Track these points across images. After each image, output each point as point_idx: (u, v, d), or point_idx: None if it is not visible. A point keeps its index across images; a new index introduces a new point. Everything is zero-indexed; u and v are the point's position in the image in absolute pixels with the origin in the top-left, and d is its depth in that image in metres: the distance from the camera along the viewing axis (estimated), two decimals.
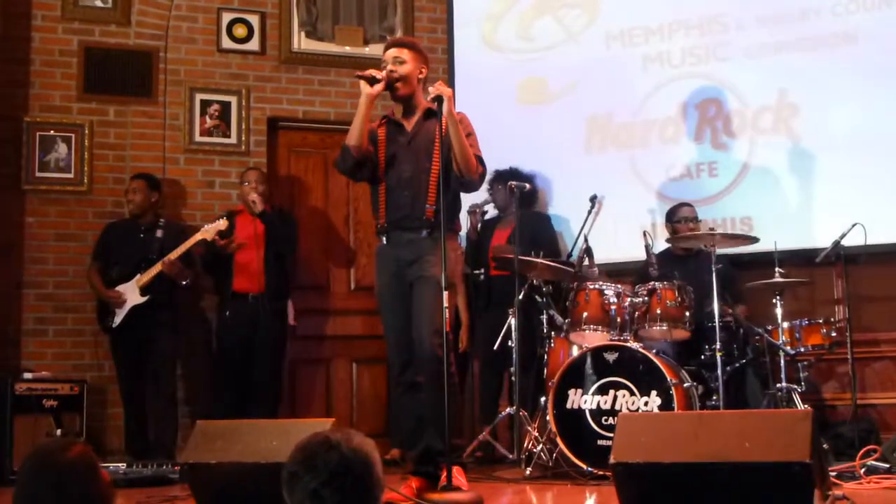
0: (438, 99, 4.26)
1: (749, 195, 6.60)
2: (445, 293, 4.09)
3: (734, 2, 6.83)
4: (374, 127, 4.65)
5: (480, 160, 4.48)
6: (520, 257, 5.61)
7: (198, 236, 6.14)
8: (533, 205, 6.67)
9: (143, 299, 6.13)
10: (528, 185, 6.18)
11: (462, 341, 6.46)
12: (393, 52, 4.58)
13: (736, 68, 6.76)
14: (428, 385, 4.28)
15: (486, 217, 6.68)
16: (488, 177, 6.40)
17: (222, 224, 6.17)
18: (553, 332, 5.79)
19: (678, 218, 6.24)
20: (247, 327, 6.29)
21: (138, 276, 6.15)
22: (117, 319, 6.17)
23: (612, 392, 5.15)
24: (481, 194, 6.32)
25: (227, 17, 7.10)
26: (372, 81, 4.41)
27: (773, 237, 5.89)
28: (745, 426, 3.23)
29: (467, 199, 5.67)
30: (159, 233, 6.33)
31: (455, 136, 4.32)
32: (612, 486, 3.42)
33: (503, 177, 6.44)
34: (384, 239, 4.55)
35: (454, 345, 5.49)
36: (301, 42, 7.23)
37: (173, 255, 6.10)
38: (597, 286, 5.54)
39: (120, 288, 6.17)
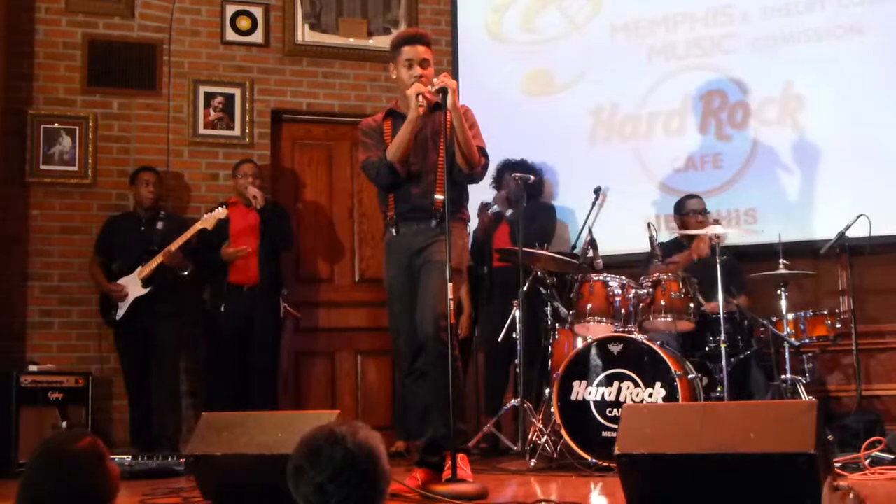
0: (443, 91, 4.26)
1: (754, 187, 6.59)
2: (450, 284, 4.09)
3: None
4: (378, 120, 4.64)
5: (483, 152, 4.48)
6: (524, 249, 5.62)
7: (198, 226, 6.14)
8: (539, 196, 6.65)
9: (146, 291, 6.14)
10: (531, 177, 6.17)
11: (462, 328, 6.45)
12: (419, 52, 4.49)
13: (741, 60, 6.75)
14: (432, 368, 4.28)
15: (491, 211, 6.64)
16: (498, 166, 6.43)
17: (222, 213, 6.17)
18: (557, 324, 5.79)
19: (687, 210, 6.22)
20: (243, 320, 6.30)
21: (140, 268, 6.16)
22: (120, 312, 6.18)
23: (616, 383, 5.15)
24: (486, 186, 6.34)
25: (230, 10, 7.09)
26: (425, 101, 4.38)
27: (778, 229, 5.89)
28: (750, 417, 3.23)
29: (476, 196, 5.67)
30: (160, 225, 6.34)
31: (459, 128, 4.32)
32: (616, 477, 3.42)
33: (513, 167, 6.42)
34: (394, 231, 4.54)
35: (455, 331, 5.49)
36: (305, 34, 7.22)
37: (174, 245, 6.11)
38: (601, 278, 5.54)
39: (122, 281, 6.18)
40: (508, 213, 6.49)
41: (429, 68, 4.50)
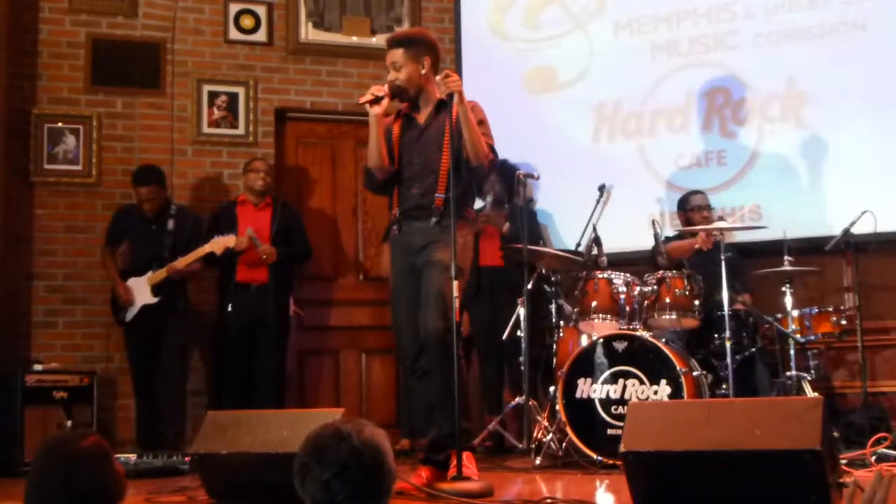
0: (450, 95, 4.27)
1: (758, 184, 6.58)
2: (455, 282, 4.09)
3: None
4: (388, 123, 4.63)
5: (492, 149, 4.47)
6: (529, 247, 5.61)
7: (206, 248, 6.08)
8: (516, 197, 6.62)
9: (155, 300, 6.14)
10: (536, 175, 6.17)
11: (465, 326, 6.43)
12: (389, 56, 4.55)
13: (744, 56, 6.74)
14: (433, 367, 4.28)
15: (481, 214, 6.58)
16: None
17: (231, 241, 6.09)
18: (562, 322, 5.79)
19: (691, 206, 6.22)
20: (250, 319, 6.29)
21: (151, 273, 6.16)
22: (129, 315, 6.18)
23: (621, 381, 5.15)
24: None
25: (234, 8, 7.09)
26: (375, 101, 4.39)
27: (783, 225, 5.88)
28: (756, 414, 3.22)
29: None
30: (171, 224, 6.30)
31: (466, 125, 4.31)
32: (622, 475, 3.42)
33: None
34: (397, 229, 4.56)
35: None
36: (308, 32, 7.22)
37: (181, 263, 6.10)
38: (606, 275, 5.54)
39: (132, 281, 6.17)
40: (505, 227, 6.39)
41: (401, 69, 4.50)
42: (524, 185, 5.97)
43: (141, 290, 6.17)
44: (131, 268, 6.25)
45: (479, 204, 6.50)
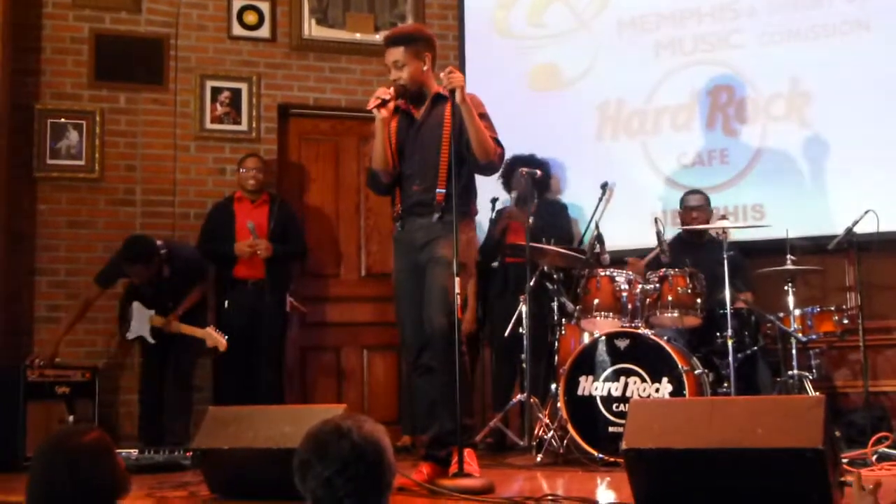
0: (451, 91, 4.26)
1: (761, 182, 6.57)
2: (458, 278, 4.09)
3: None
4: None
5: (497, 142, 4.47)
6: (532, 244, 5.61)
7: (199, 333, 6.02)
8: (546, 192, 6.62)
9: (152, 341, 6.16)
10: (539, 172, 6.15)
11: (466, 323, 6.40)
12: (389, 55, 4.53)
13: (748, 55, 6.73)
14: (437, 364, 4.28)
15: (501, 206, 6.59)
16: (507, 163, 6.39)
17: (222, 346, 5.98)
18: (564, 319, 5.79)
19: (685, 206, 6.25)
20: (247, 316, 6.29)
21: (154, 314, 6.13)
22: (130, 335, 6.21)
23: (623, 379, 5.15)
24: (495, 181, 6.30)
25: (237, 4, 7.08)
26: (382, 104, 4.39)
27: (785, 224, 5.88)
28: (758, 412, 3.23)
29: (486, 191, 5.66)
30: (166, 271, 6.21)
31: (469, 121, 4.30)
32: (623, 472, 3.43)
33: (521, 162, 6.37)
34: (399, 226, 4.56)
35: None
36: (312, 29, 7.22)
37: (174, 328, 6.09)
38: (608, 273, 5.53)
39: (136, 307, 6.16)
40: (530, 220, 6.39)
41: (403, 67, 4.49)
42: (529, 182, 5.96)
43: (143, 320, 6.16)
44: (139, 298, 6.23)
45: (504, 200, 6.53)
